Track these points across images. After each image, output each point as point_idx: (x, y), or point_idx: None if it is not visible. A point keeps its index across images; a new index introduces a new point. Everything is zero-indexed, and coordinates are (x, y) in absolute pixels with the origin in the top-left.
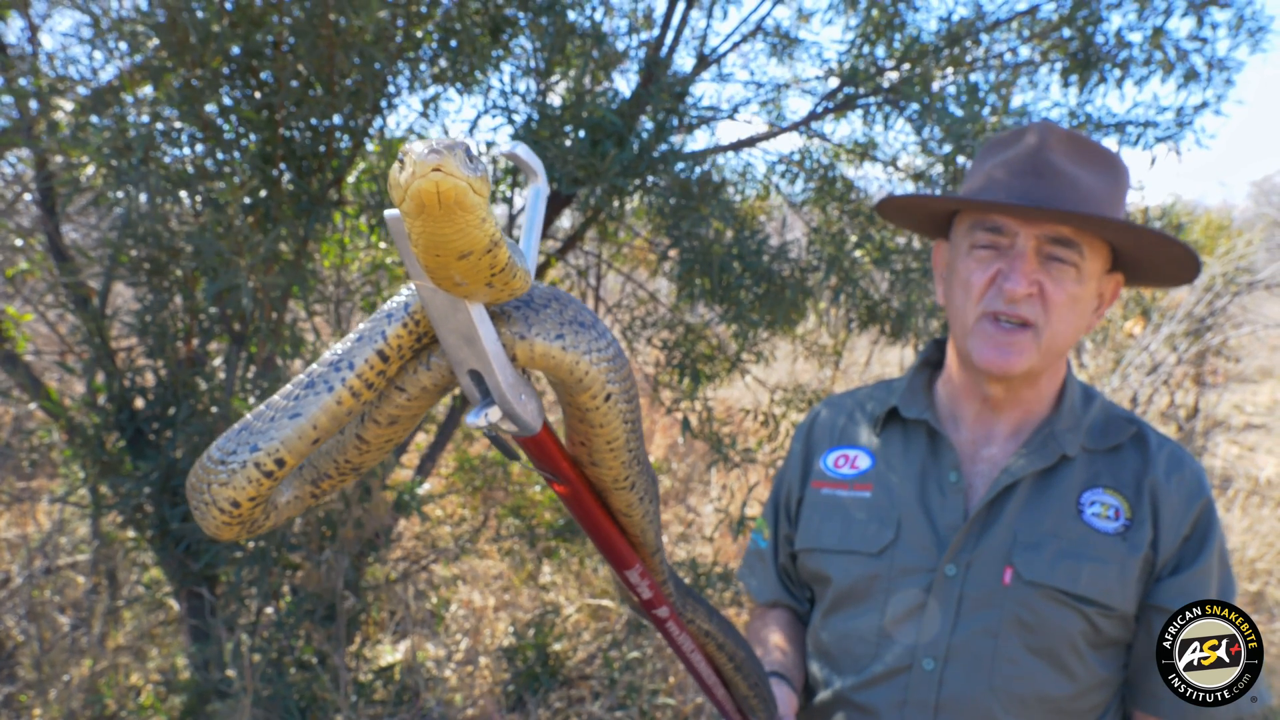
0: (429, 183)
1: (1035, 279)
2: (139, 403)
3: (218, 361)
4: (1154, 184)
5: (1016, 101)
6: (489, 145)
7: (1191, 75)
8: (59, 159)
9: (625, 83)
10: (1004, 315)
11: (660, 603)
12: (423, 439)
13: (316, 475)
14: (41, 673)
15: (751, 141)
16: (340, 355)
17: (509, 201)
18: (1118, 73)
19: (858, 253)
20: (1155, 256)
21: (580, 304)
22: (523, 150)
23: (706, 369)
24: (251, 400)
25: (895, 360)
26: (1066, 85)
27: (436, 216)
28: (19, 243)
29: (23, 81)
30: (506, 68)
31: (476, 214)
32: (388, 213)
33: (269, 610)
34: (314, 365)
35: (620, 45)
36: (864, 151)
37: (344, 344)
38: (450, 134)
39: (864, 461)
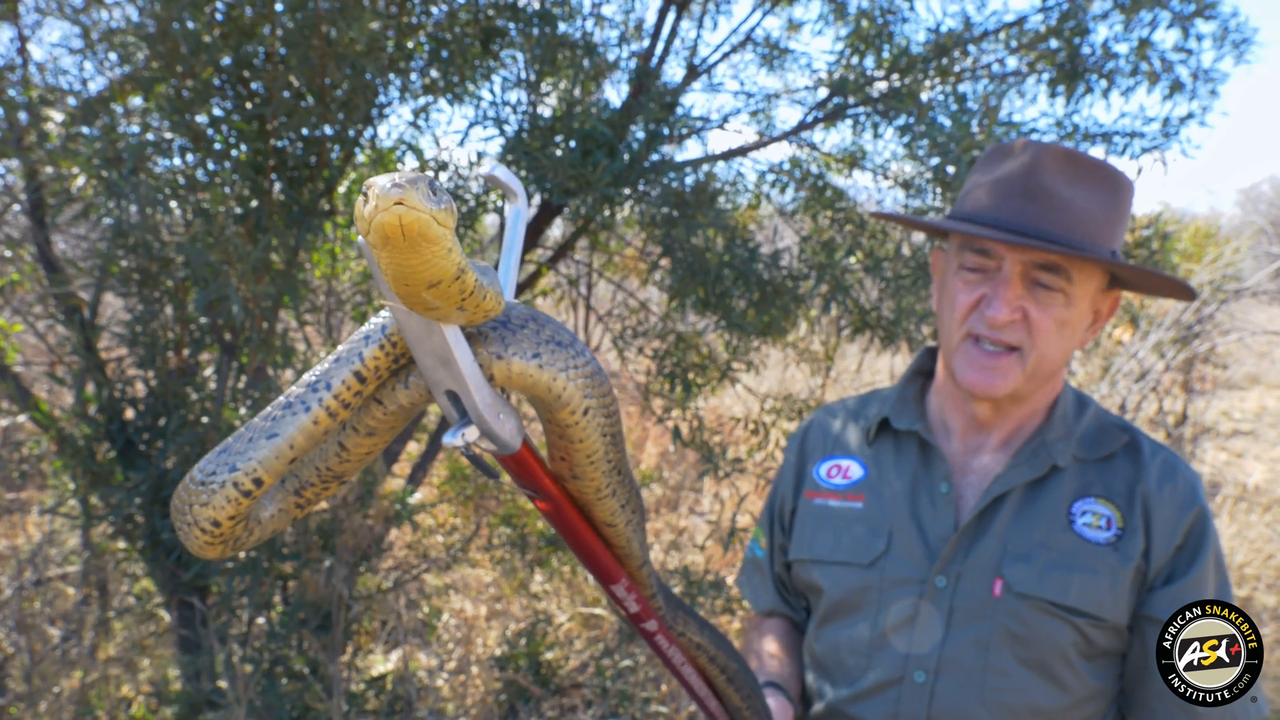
0: (392, 215)
1: (1019, 305)
2: (129, 413)
3: (208, 372)
4: (1142, 192)
5: (1003, 112)
6: (480, 156)
7: (1177, 86)
8: (49, 169)
9: (616, 93)
10: (987, 339)
11: (648, 616)
12: (414, 448)
13: (299, 485)
14: (32, 685)
15: (742, 151)
16: (318, 377)
17: (500, 211)
18: (1104, 83)
19: (850, 260)
20: (1148, 280)
21: (558, 324)
22: (501, 172)
23: (698, 378)
24: (242, 410)
25: (886, 368)
26: (1054, 96)
27: (401, 248)
28: (8, 253)
29: (12, 92)
30: (497, 78)
31: (442, 245)
32: (360, 239)
33: (260, 620)
34: (293, 387)
35: (611, 56)
36: (854, 160)
37: (322, 365)
38: (441, 145)
39: (856, 471)
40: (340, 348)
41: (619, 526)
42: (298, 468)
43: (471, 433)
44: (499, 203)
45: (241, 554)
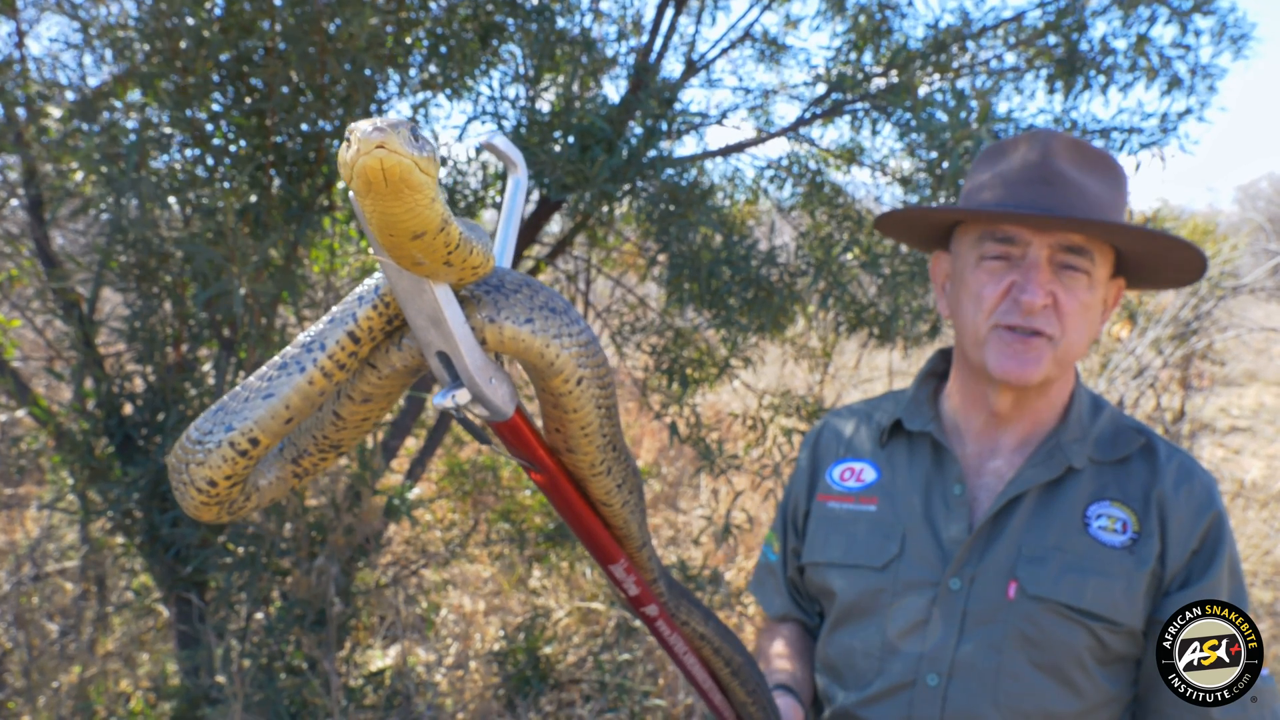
0: (373, 159)
1: (1050, 289)
2: (128, 408)
3: (207, 367)
4: (1141, 188)
5: (1002, 108)
6: (478, 151)
7: (1175, 82)
8: (48, 165)
9: (614, 89)
10: (1019, 327)
11: (649, 600)
12: (412, 444)
13: (297, 453)
14: (30, 680)
15: (740, 147)
16: (313, 337)
17: (499, 207)
18: (1102, 79)
19: (847, 256)
20: (1160, 260)
21: (553, 292)
22: (500, 140)
23: (695, 374)
24: None
25: (884, 364)
26: (1052, 92)
27: (384, 194)
28: (7, 248)
29: (11, 87)
30: (496, 74)
31: (424, 193)
32: (351, 193)
33: (259, 616)
34: (288, 347)
35: (609, 51)
36: (852, 156)
37: (317, 326)
38: (440, 140)
39: (869, 474)
40: (334, 308)
41: (615, 506)
42: (295, 435)
43: (462, 395)
44: (498, 198)
45: (239, 549)
